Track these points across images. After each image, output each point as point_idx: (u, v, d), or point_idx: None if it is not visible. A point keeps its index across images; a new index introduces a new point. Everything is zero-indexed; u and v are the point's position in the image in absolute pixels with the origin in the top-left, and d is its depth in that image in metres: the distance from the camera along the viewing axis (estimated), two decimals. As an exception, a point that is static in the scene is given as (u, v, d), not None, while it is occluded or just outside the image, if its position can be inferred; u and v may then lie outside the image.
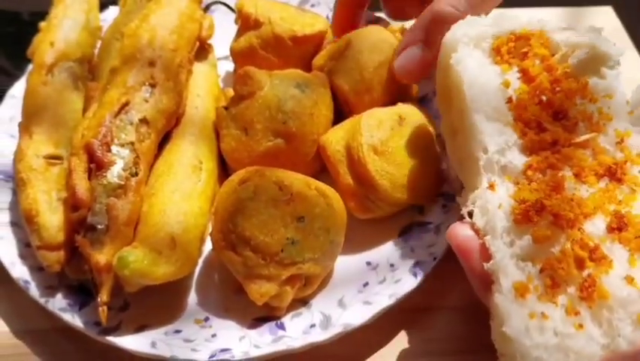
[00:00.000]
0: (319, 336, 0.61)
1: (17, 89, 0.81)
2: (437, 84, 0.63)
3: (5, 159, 0.74)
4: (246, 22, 0.78)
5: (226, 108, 0.74)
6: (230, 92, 0.76)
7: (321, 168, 0.75)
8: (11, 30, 0.99)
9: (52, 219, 0.65)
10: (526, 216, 0.52)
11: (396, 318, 0.66)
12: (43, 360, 0.65)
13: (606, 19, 1.01)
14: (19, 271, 0.66)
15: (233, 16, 0.82)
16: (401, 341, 0.66)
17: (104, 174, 0.63)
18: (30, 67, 0.77)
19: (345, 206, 0.68)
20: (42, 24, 0.79)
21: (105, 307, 0.59)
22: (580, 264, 0.50)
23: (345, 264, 0.69)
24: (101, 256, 0.60)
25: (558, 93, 0.57)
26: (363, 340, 0.65)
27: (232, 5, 0.85)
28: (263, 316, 0.64)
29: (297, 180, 0.64)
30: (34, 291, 0.64)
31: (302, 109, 0.71)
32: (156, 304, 0.65)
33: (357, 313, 0.63)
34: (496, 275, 0.52)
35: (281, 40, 0.76)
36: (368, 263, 0.69)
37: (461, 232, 0.56)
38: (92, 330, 0.62)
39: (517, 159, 0.56)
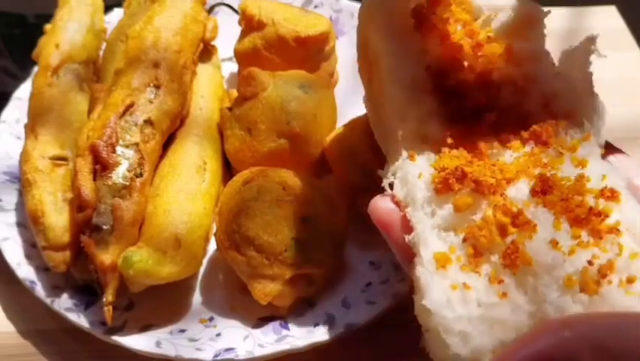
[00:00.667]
0: (323, 336, 0.62)
1: (23, 91, 0.81)
2: (358, 56, 0.60)
3: (11, 161, 0.75)
4: (249, 24, 0.79)
5: (230, 109, 0.74)
6: (235, 93, 0.76)
7: (324, 168, 0.75)
8: (17, 32, 0.99)
9: (57, 219, 0.66)
10: (446, 184, 0.49)
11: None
12: (50, 360, 0.65)
13: (610, 18, 1.02)
14: (25, 271, 0.66)
15: (237, 17, 0.83)
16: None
17: (109, 174, 0.63)
18: (35, 69, 0.78)
19: (356, 204, 0.68)
20: (47, 26, 0.80)
21: (110, 307, 0.60)
22: (502, 231, 0.46)
23: (349, 264, 0.69)
24: (106, 256, 0.60)
25: (480, 58, 0.54)
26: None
27: (236, 7, 0.85)
28: (267, 315, 0.65)
29: (301, 181, 0.65)
30: (40, 291, 0.65)
31: (305, 110, 0.71)
32: (161, 304, 0.66)
33: (360, 312, 0.64)
34: (417, 247, 0.48)
35: (284, 42, 0.77)
36: (371, 263, 0.69)
37: (382, 205, 0.52)
38: (97, 330, 0.63)
39: (437, 128, 0.53)
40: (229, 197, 0.65)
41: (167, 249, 0.62)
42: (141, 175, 0.65)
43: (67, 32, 0.78)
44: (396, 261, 0.66)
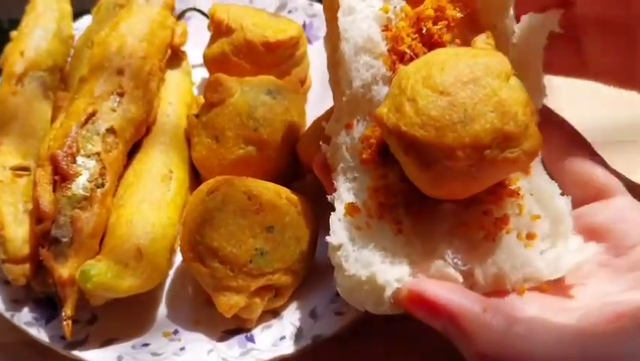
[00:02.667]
0: (289, 348, 0.60)
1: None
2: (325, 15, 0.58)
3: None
4: (218, 29, 0.77)
5: (197, 116, 0.73)
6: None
7: (297, 173, 0.74)
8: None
9: (17, 231, 0.64)
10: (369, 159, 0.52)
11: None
12: (12, 374, 0.64)
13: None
14: (-16, 285, 0.65)
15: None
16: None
17: (69, 185, 0.62)
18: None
19: None
20: (13, 33, 0.78)
21: (70, 322, 0.59)
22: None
23: (318, 274, 0.68)
24: (64, 270, 0.59)
25: (441, 22, 0.53)
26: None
27: (207, 12, 0.84)
28: (233, 328, 0.63)
29: (267, 190, 0.63)
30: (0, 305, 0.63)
31: (273, 115, 0.70)
32: (125, 317, 0.64)
33: (328, 323, 0.62)
34: (336, 205, 0.53)
35: (253, 47, 0.75)
36: (341, 272, 0.68)
37: (319, 160, 0.58)
38: (57, 344, 0.61)
39: (383, 94, 0.52)
40: (193, 207, 0.63)
41: (128, 261, 0.61)
42: (102, 186, 0.64)
43: (33, 39, 0.77)
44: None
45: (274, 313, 0.65)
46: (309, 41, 0.87)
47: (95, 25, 0.81)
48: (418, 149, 0.45)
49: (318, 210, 0.69)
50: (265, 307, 0.63)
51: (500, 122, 0.45)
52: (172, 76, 0.78)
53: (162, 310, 0.66)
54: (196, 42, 0.83)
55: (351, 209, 0.51)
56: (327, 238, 0.51)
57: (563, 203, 0.51)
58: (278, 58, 0.77)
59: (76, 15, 0.85)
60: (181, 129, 0.74)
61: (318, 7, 0.89)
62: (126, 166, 0.69)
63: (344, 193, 0.53)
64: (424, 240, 0.50)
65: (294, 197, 0.65)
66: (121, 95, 0.68)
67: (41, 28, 0.78)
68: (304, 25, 0.88)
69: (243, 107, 0.69)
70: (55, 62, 0.77)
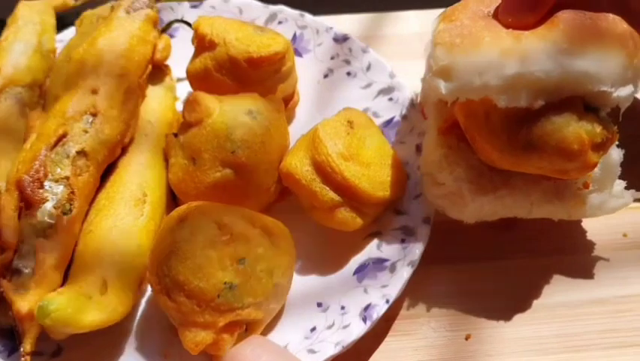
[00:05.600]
0: (257, 388, 0.57)
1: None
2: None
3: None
4: (201, 43, 0.74)
5: (176, 135, 0.70)
6: (186, 117, 0.72)
7: (279, 196, 0.71)
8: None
9: (-20, 260, 0.62)
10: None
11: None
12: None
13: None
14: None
15: (196, 35, 0.78)
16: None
17: (34, 212, 0.60)
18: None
19: (331, 224, 0.66)
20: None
21: (28, 358, 0.56)
22: None
23: (295, 305, 0.65)
24: (23, 303, 0.57)
25: None
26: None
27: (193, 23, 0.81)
28: (201, 364, 0.61)
29: (240, 218, 0.61)
30: (-39, 336, 0.62)
31: (252, 137, 0.66)
32: (92, 349, 0.62)
33: (301, 361, 0.59)
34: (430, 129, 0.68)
35: (236, 62, 0.72)
36: (319, 304, 0.64)
37: None
38: (20, 378, 0.59)
39: None
40: (162, 236, 0.61)
41: (92, 294, 0.58)
42: (70, 212, 0.61)
43: (12, 54, 0.74)
44: (345, 303, 0.63)
45: (246, 347, 0.62)
46: (299, 54, 0.84)
47: (77, 38, 0.78)
48: None
49: (301, 232, 0.68)
50: (236, 342, 0.60)
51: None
52: (153, 92, 0.75)
53: (132, 341, 0.64)
54: (184, 54, 0.80)
55: (444, 129, 0.64)
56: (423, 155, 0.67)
57: (616, 154, 0.62)
58: (262, 74, 0.74)
59: (64, 25, 0.83)
60: (159, 149, 0.71)
61: (310, 19, 0.85)
62: (100, 188, 0.67)
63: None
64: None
65: (270, 226, 0.62)
66: (94, 115, 0.66)
67: (21, 43, 0.75)
68: (294, 37, 0.85)
69: (221, 129, 0.66)
70: (34, 78, 0.74)
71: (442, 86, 0.59)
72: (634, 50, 0.59)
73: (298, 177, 0.65)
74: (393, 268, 0.65)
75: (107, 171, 0.68)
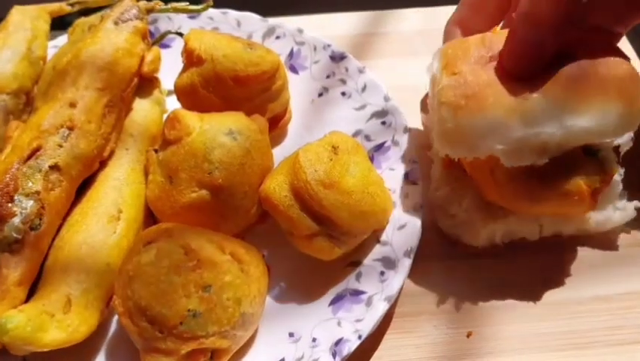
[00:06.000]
0: (216, 421, 0.56)
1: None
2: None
3: None
4: (190, 58, 0.72)
5: (157, 151, 0.68)
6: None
7: (259, 219, 0.69)
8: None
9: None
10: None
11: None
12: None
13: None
14: None
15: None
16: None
17: (2, 227, 0.59)
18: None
19: (309, 251, 0.64)
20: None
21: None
22: None
23: (267, 332, 0.63)
24: (-17, 319, 0.55)
25: None
26: None
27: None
28: (164, 390, 0.59)
29: (209, 243, 0.59)
30: None
31: (231, 159, 0.64)
32: (57, 367, 0.60)
33: (265, 395, 0.57)
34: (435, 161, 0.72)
35: (222, 80, 0.70)
36: (291, 334, 0.62)
37: None
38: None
39: None
40: (128, 257, 0.59)
41: (55, 312, 0.57)
42: (38, 227, 0.60)
43: (-1, 61, 0.74)
44: (317, 335, 0.61)
45: (211, 376, 0.60)
46: (295, 71, 0.82)
47: (67, 46, 0.77)
48: None
49: (280, 257, 0.67)
50: (201, 369, 0.58)
51: None
52: (139, 105, 0.74)
53: (100, 360, 0.62)
54: (180, 66, 0.78)
55: (446, 163, 0.67)
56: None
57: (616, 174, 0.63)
58: (250, 92, 0.72)
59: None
60: (140, 164, 0.70)
61: (308, 36, 0.83)
62: (76, 203, 0.66)
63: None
64: None
65: (240, 253, 0.60)
66: (71, 129, 0.64)
67: (9, 49, 0.75)
68: (291, 53, 0.83)
69: (199, 148, 0.64)
70: (21, 85, 0.74)
71: (449, 150, 0.61)
72: (635, 93, 0.58)
73: (276, 203, 0.63)
74: (369, 302, 0.62)
75: (85, 185, 0.67)
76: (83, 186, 0.67)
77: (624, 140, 0.60)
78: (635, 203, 0.67)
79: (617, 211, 0.67)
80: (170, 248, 0.57)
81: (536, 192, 0.61)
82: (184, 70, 0.74)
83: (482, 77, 0.59)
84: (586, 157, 0.61)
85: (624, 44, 0.92)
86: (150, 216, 0.68)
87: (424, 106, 0.75)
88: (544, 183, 0.60)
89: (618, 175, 0.64)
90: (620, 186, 0.65)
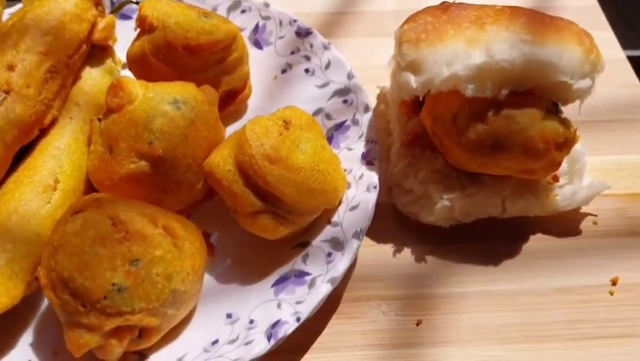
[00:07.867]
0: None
1: None
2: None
3: None
4: (142, 26, 0.70)
5: (100, 120, 0.65)
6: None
7: (205, 196, 0.66)
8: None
9: None
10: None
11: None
12: None
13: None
14: None
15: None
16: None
17: None
18: None
19: (252, 229, 0.61)
20: None
21: None
22: None
23: (204, 314, 0.60)
24: None
25: None
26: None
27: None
28: (90, 367, 0.56)
29: (140, 216, 0.55)
30: None
31: (172, 129, 0.61)
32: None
33: (193, 376, 0.54)
34: (395, 140, 0.71)
35: (173, 48, 0.67)
36: (229, 315, 0.59)
37: None
38: None
39: None
40: (55, 227, 0.56)
41: (-25, 281, 0.54)
42: (-35, 194, 0.57)
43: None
44: (255, 316, 0.57)
45: (140, 355, 0.57)
46: (259, 46, 0.79)
47: (20, 11, 0.74)
48: None
49: (227, 235, 0.64)
50: (128, 347, 0.55)
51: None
52: (89, 74, 0.71)
53: (28, 335, 0.59)
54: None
55: (407, 142, 0.67)
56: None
57: (580, 147, 0.66)
58: (202, 63, 0.69)
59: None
60: (84, 134, 0.66)
61: (274, 10, 0.80)
62: (12, 173, 0.63)
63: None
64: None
65: (174, 227, 0.57)
66: (7, 92, 0.61)
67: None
68: (256, 28, 0.80)
69: (140, 117, 0.61)
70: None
71: (412, 80, 0.60)
72: (590, 46, 0.61)
73: (219, 177, 0.60)
74: (312, 284, 0.59)
75: (25, 154, 0.64)
76: (21, 156, 0.64)
77: (584, 86, 0.60)
78: (603, 181, 0.66)
79: (583, 189, 0.66)
80: (98, 218, 0.54)
81: (499, 140, 0.59)
82: (137, 38, 0.71)
83: (442, 17, 0.61)
84: (548, 114, 0.60)
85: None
86: (93, 189, 0.65)
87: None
88: (507, 130, 0.59)
89: (583, 149, 0.65)
90: (586, 162, 0.66)
